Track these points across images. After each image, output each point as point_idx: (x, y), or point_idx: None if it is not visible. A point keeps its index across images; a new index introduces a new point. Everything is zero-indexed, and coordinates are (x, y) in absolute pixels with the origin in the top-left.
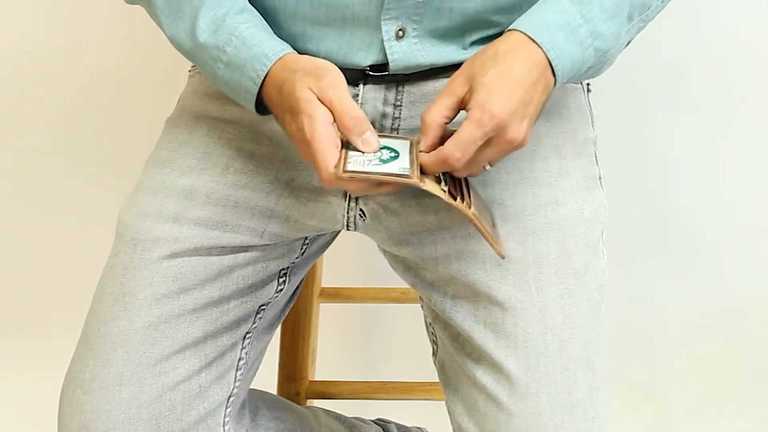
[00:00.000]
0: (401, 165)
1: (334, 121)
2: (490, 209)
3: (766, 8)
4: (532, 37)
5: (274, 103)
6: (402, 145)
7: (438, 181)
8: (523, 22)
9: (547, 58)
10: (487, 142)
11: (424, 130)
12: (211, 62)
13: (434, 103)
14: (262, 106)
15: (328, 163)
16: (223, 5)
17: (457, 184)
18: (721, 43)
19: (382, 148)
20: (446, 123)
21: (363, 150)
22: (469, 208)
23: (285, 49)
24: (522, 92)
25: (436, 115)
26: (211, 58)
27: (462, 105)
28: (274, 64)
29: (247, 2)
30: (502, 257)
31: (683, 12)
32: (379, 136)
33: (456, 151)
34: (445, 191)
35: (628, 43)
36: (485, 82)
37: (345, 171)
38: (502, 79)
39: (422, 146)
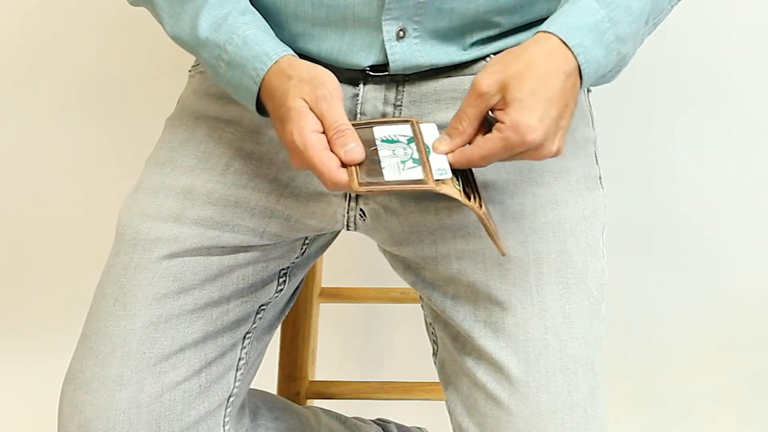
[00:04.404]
0: (411, 165)
1: (324, 131)
2: (488, 205)
3: (766, 8)
4: (564, 40)
5: (268, 108)
6: (404, 133)
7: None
8: (554, 24)
9: (577, 62)
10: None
11: (453, 134)
12: (213, 60)
13: (466, 114)
14: (263, 107)
15: (329, 168)
16: (225, 6)
17: (468, 180)
18: (721, 42)
19: (384, 142)
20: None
21: (344, 161)
22: (480, 207)
23: (286, 50)
24: (556, 110)
25: (471, 127)
26: (213, 56)
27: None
28: (270, 68)
29: (250, 5)
30: (503, 254)
31: (683, 12)
32: (378, 122)
33: (481, 160)
34: (459, 191)
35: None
36: (521, 99)
37: (361, 184)
38: (538, 97)
39: (445, 148)
